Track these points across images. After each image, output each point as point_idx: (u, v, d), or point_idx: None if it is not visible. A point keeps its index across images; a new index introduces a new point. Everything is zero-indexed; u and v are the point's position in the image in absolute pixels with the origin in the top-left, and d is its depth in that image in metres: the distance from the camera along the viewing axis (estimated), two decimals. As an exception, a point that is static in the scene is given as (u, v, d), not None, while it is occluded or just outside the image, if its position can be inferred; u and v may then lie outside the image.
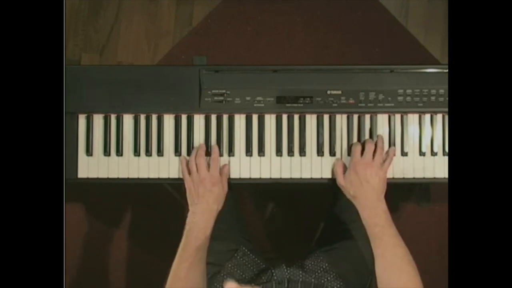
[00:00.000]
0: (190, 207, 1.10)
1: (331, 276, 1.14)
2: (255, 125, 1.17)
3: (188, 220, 1.08)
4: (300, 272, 1.13)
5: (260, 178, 1.16)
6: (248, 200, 1.67)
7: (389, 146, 1.15)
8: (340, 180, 1.11)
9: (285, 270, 1.13)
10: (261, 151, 1.16)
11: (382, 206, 1.05)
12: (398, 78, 1.15)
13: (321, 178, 1.16)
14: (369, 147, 1.10)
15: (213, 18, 1.76)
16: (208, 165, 1.12)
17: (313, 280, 1.12)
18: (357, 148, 1.11)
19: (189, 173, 1.12)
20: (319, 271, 1.15)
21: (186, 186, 1.11)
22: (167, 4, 1.80)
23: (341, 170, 1.12)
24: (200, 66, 1.16)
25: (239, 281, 1.14)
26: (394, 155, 1.14)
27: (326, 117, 1.17)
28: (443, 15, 1.77)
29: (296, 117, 1.17)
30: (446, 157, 1.16)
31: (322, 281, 1.13)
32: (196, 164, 1.11)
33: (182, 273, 1.03)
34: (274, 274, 1.12)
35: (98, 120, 1.17)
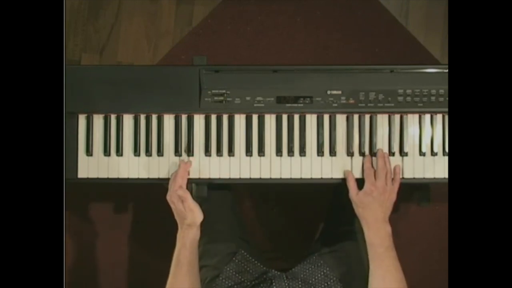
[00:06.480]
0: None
1: (331, 281, 1.14)
2: (255, 125, 1.17)
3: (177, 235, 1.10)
4: (300, 281, 1.13)
5: (260, 178, 1.16)
6: (248, 200, 1.67)
7: (389, 146, 1.16)
8: (353, 196, 1.11)
9: (285, 280, 1.13)
10: (261, 151, 1.16)
11: (387, 228, 1.07)
12: (398, 78, 1.15)
13: (321, 178, 1.16)
14: (382, 171, 1.10)
15: (213, 18, 1.76)
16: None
17: (312, 285, 1.12)
18: (371, 172, 1.11)
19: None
20: (319, 276, 1.15)
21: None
22: (167, 4, 1.80)
23: (354, 184, 1.12)
24: (200, 66, 1.16)
25: (238, 284, 1.14)
26: (400, 175, 1.14)
27: (326, 117, 1.17)
28: (443, 15, 1.77)
29: (296, 117, 1.17)
30: (446, 157, 1.16)
31: (322, 286, 1.13)
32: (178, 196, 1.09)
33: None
34: (273, 284, 1.12)
35: (98, 120, 1.17)
